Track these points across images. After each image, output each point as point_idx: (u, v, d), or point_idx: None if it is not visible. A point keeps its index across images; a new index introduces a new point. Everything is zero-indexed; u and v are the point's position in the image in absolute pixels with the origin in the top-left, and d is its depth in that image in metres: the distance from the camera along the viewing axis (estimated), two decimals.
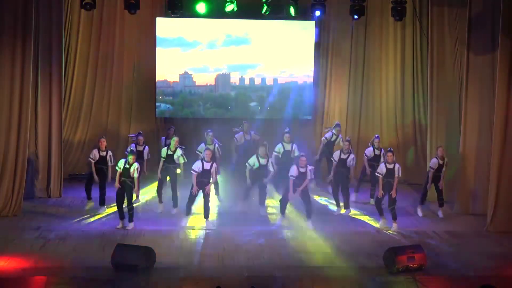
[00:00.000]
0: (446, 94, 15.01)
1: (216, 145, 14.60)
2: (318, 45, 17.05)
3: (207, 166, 12.84)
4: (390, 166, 13.05)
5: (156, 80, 16.82)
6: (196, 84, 17.02)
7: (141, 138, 14.59)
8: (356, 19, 15.83)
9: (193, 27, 16.68)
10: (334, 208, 14.31)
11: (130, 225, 12.67)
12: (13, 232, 12.33)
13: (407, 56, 17.17)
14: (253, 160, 13.69)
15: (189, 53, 16.78)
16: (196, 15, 15.77)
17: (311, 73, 17.05)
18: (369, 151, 14.69)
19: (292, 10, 15.54)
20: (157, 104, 16.94)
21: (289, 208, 13.48)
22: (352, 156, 14.02)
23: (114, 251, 10.55)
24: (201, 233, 12.59)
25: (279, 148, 14.67)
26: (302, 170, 12.89)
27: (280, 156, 14.59)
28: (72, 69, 16.59)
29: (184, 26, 16.66)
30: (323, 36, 17.20)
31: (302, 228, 12.92)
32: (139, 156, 13.93)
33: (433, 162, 13.90)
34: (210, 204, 13.08)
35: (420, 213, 14.07)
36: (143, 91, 17.08)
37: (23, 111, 13.54)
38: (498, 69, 13.09)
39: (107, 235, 12.27)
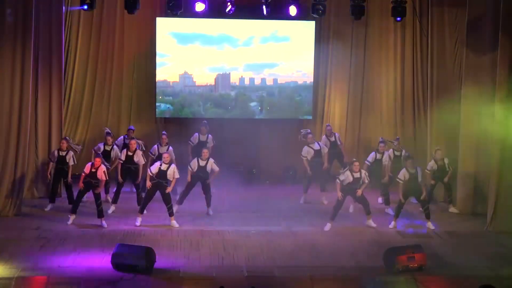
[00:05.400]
0: (446, 94, 15.00)
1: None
2: (318, 45, 17.04)
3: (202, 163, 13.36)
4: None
5: (156, 80, 16.82)
6: (196, 84, 17.01)
7: (109, 138, 14.45)
8: (357, 18, 15.81)
9: (192, 27, 16.71)
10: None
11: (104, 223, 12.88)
12: (13, 232, 12.35)
13: (407, 56, 17.14)
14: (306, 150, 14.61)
15: (191, 52, 16.81)
16: (195, 15, 15.75)
17: (311, 73, 17.05)
18: (371, 156, 14.68)
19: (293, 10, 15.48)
20: (157, 104, 16.93)
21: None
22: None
23: (114, 251, 10.57)
24: (201, 233, 12.59)
25: (307, 151, 14.70)
26: (356, 175, 12.90)
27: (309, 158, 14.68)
28: (72, 69, 16.56)
29: (183, 26, 16.68)
30: (323, 36, 17.19)
31: (302, 229, 12.93)
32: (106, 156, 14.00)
33: (429, 165, 14.22)
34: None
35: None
36: (143, 91, 17.07)
37: (23, 111, 13.54)
38: (498, 69, 13.10)
39: (107, 235, 12.29)
